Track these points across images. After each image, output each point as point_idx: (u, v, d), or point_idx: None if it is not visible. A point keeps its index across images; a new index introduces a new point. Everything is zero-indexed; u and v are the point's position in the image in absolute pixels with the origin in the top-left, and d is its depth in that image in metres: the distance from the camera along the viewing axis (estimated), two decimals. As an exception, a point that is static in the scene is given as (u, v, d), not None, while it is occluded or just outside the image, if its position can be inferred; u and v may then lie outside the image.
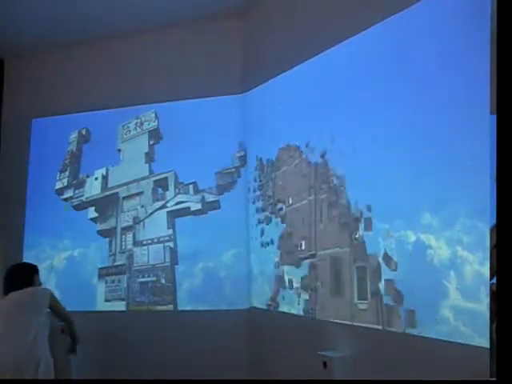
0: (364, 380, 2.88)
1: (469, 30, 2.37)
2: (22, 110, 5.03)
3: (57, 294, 3.40)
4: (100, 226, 4.67)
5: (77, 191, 4.81)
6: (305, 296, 3.48)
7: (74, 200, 4.81)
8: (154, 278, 4.41)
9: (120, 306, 4.49)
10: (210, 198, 4.32)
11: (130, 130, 4.75)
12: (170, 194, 4.49)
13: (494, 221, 1.99)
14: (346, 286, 3.13)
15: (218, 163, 4.35)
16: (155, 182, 4.56)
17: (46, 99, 4.99)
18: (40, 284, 3.43)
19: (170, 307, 4.33)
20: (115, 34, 4.73)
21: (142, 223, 4.54)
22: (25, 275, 3.29)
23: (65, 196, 4.85)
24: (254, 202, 4.16)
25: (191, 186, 4.41)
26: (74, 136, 4.90)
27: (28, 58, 5.08)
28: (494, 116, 1.68)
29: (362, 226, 3.03)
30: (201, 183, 4.39)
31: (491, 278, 2.15)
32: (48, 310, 3.26)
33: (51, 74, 5.03)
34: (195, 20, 4.48)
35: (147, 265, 4.45)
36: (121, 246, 4.57)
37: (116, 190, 4.69)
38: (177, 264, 4.37)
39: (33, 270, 3.38)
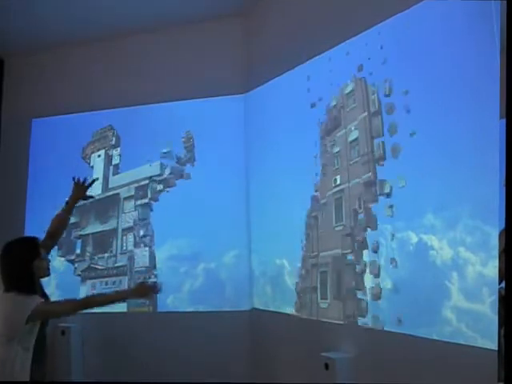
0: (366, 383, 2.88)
1: (478, 34, 2.36)
2: (22, 110, 5.02)
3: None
4: (101, 227, 4.66)
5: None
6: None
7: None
8: (155, 279, 4.39)
9: (121, 307, 4.46)
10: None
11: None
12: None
13: (503, 225, 1.99)
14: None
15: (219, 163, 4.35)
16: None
17: (45, 99, 4.98)
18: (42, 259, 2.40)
19: (171, 308, 4.32)
20: (115, 34, 4.72)
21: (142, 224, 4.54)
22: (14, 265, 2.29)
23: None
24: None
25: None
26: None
27: (28, 58, 5.07)
28: (503, 120, 1.68)
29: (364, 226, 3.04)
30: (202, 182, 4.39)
31: (500, 283, 2.15)
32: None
33: (51, 74, 5.01)
34: (196, 20, 4.47)
35: (148, 266, 4.44)
36: (121, 247, 4.56)
37: (117, 191, 4.68)
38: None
39: (28, 252, 2.35)
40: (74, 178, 2.85)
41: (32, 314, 2.19)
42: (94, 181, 2.92)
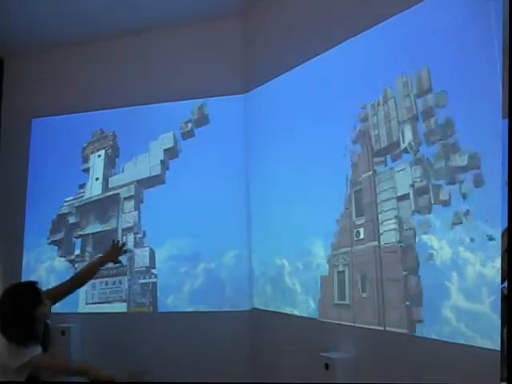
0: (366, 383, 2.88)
1: (480, 33, 2.36)
2: (22, 110, 5.02)
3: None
4: (101, 227, 4.66)
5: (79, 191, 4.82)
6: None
7: (74, 201, 4.81)
8: (155, 280, 4.40)
9: (121, 307, 4.47)
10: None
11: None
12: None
13: (506, 225, 1.99)
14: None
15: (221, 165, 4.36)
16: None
17: (45, 99, 4.98)
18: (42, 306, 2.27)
19: (171, 309, 4.32)
20: (115, 34, 4.72)
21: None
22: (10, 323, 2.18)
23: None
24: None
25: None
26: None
27: (28, 58, 5.07)
28: (506, 120, 1.67)
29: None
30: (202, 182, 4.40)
31: (502, 282, 2.15)
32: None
33: (51, 74, 5.02)
34: (196, 20, 4.48)
35: (148, 266, 4.44)
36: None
37: (117, 191, 4.69)
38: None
39: (31, 299, 2.22)
40: (113, 241, 2.99)
41: (24, 365, 2.13)
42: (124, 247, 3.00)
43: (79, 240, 4.73)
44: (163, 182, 4.55)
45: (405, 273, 2.72)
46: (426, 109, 2.66)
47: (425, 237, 2.62)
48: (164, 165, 4.57)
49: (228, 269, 4.22)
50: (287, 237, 3.73)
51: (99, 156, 4.83)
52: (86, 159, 4.87)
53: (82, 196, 4.79)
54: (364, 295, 3.00)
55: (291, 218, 3.68)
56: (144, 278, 4.44)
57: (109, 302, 4.51)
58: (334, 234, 3.28)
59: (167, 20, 4.52)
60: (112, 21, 4.58)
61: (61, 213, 4.83)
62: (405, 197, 2.77)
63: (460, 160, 2.44)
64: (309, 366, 3.26)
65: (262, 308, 4.03)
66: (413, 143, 2.74)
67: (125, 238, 4.55)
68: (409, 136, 2.77)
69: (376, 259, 2.93)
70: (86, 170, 4.84)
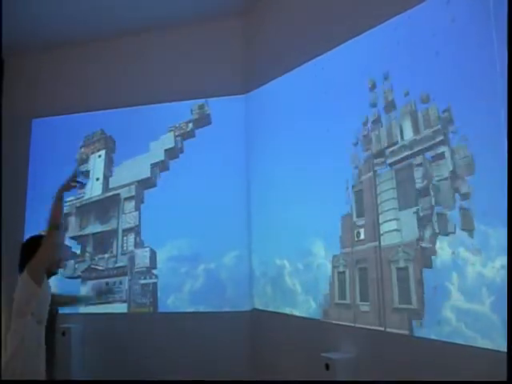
0: (366, 381, 2.88)
1: (481, 33, 2.36)
2: (22, 110, 5.02)
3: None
4: (101, 227, 4.66)
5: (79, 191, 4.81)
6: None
7: (75, 201, 4.81)
8: (156, 280, 4.40)
9: (121, 307, 4.47)
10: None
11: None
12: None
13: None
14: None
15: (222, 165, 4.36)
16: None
17: (46, 99, 4.99)
18: None
19: (171, 309, 4.32)
20: (115, 34, 4.73)
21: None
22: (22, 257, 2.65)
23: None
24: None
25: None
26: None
27: (28, 58, 5.08)
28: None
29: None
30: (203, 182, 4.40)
31: None
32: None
33: (51, 73, 5.02)
34: (196, 20, 4.48)
35: (148, 266, 4.44)
36: (122, 247, 4.56)
37: (118, 191, 4.68)
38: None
39: (29, 247, 2.64)
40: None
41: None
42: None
43: (79, 240, 4.73)
44: (163, 183, 4.54)
45: (406, 273, 2.73)
46: (425, 109, 2.67)
47: (427, 237, 2.62)
48: (165, 165, 4.57)
49: (228, 269, 4.22)
50: (287, 237, 3.73)
51: (99, 156, 4.83)
52: (86, 159, 4.86)
53: (83, 196, 4.79)
54: (364, 295, 3.01)
55: (291, 218, 3.68)
56: (144, 278, 4.44)
57: (109, 303, 4.51)
58: (334, 234, 3.28)
59: (167, 20, 4.53)
60: (112, 21, 4.59)
61: (61, 213, 4.81)
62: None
63: (461, 160, 2.44)
64: (309, 366, 3.26)
65: (262, 308, 4.03)
66: (412, 143, 2.74)
67: (125, 238, 4.55)
68: (409, 135, 2.77)
69: (376, 259, 2.93)
70: (86, 173, 4.84)
